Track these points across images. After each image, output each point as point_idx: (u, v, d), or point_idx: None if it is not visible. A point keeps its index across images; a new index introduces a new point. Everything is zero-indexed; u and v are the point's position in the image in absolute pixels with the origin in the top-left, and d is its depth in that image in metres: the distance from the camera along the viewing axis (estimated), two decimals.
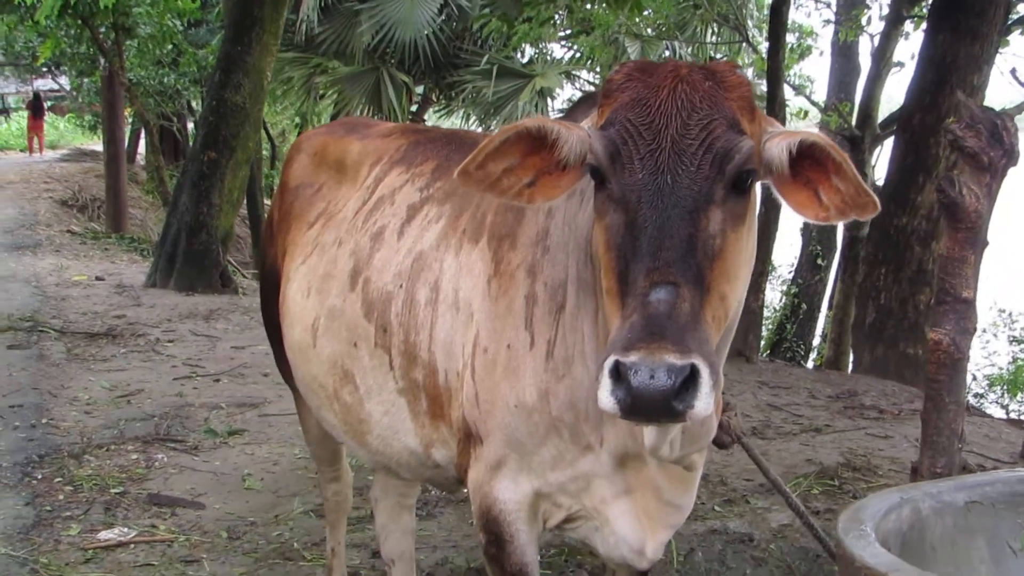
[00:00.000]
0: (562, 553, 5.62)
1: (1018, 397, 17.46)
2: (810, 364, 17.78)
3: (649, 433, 2.86)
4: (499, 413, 3.14)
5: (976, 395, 17.92)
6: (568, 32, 20.39)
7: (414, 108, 23.99)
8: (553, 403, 3.05)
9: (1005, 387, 17.45)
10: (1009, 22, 13.29)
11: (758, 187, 2.69)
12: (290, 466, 7.13)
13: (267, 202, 19.10)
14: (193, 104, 27.77)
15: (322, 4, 20.79)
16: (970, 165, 3.29)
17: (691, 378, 2.25)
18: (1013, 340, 18.70)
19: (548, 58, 23.06)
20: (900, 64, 16.55)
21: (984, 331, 19.49)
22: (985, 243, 3.40)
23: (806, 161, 2.59)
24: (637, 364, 2.24)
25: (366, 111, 21.24)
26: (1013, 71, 11.60)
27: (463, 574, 5.42)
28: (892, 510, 3.03)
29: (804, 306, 18.31)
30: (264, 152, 23.94)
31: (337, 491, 4.82)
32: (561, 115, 3.45)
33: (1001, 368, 18.09)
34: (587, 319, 3.01)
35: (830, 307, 17.74)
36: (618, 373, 2.28)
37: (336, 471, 4.79)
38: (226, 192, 14.92)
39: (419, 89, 23.89)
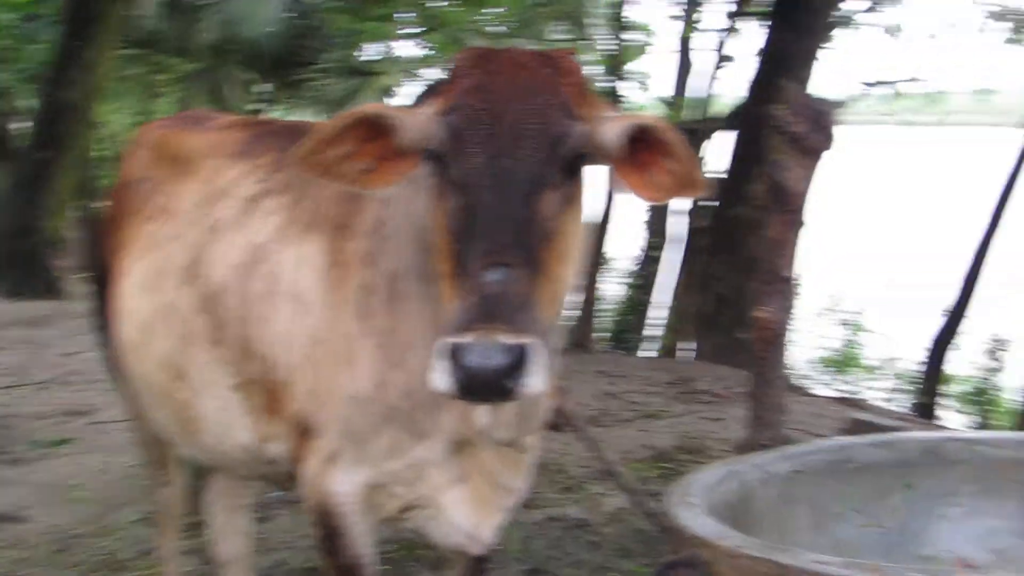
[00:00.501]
0: (401, 548, 5.60)
1: (847, 377, 18.14)
2: (653, 353, 18.05)
3: (483, 413, 2.88)
4: (335, 404, 3.11)
5: (804, 376, 18.48)
6: (414, 31, 20.32)
7: (257, 106, 23.57)
8: (390, 392, 3.04)
9: (834, 368, 18.09)
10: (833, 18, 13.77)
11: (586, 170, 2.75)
12: (121, 474, 6.84)
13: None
14: (23, 102, 26.66)
15: (164, 0, 20.22)
16: (795, 149, 3.42)
17: (523, 357, 2.28)
18: (843, 322, 19.37)
19: (393, 56, 22.93)
20: (730, 58, 16.95)
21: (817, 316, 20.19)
22: (803, 223, 3.53)
23: (640, 144, 2.63)
24: (471, 345, 2.26)
25: (208, 109, 20.70)
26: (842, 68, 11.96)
27: (300, 575, 5.36)
28: (720, 482, 3.12)
29: (641, 298, 18.57)
30: (100, 152, 23.16)
31: (168, 496, 4.63)
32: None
33: (833, 350, 18.72)
34: (424, 307, 3.00)
35: (673, 298, 18.04)
36: (452, 354, 2.29)
37: (167, 475, 4.62)
38: (56, 193, 14.39)
39: (263, 87, 23.48)
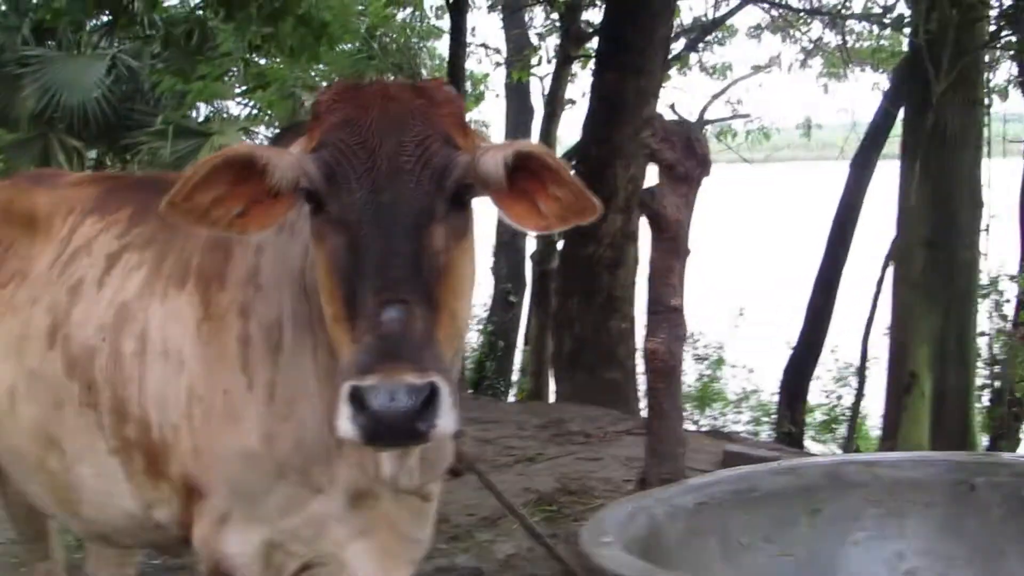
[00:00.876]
0: None
1: (706, 412, 18.41)
2: (511, 398, 18.08)
3: (387, 462, 2.77)
4: (221, 463, 2.97)
5: None
6: (244, 88, 20.07)
7: (88, 173, 22.87)
8: (279, 446, 2.91)
9: (695, 403, 18.34)
10: (669, 57, 14.05)
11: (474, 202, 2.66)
12: None
13: None
14: None
15: None
16: (668, 176, 3.40)
17: (431, 397, 2.19)
18: (697, 358, 19.69)
19: (225, 115, 22.56)
20: (572, 102, 17.20)
21: None
22: (687, 251, 3.51)
23: (521, 173, 2.55)
24: (376, 388, 2.16)
25: None
26: (672, 106, 12.23)
27: None
28: (630, 519, 3.06)
29: (501, 343, 18.61)
30: None
31: (48, 570, 4.42)
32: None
33: (689, 386, 18.98)
34: (306, 356, 2.90)
35: (526, 342, 18.11)
36: (356, 399, 2.18)
37: (45, 549, 4.40)
38: None
39: (92, 153, 22.82)
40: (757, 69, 19.80)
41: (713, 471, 4.29)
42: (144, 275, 3.28)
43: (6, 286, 3.72)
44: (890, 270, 11.05)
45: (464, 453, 3.47)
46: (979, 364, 11.80)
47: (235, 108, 22.97)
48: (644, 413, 16.03)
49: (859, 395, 9.34)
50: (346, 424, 2.21)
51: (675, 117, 3.19)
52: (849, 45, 17.69)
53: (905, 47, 14.42)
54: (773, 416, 16.29)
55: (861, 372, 9.07)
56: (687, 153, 3.40)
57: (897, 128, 13.99)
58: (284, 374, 2.92)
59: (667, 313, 3.48)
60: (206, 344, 3.02)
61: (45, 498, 3.61)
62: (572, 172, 2.56)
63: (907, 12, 12.15)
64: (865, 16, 15.44)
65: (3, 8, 20.06)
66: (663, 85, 12.91)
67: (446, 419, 2.22)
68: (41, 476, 3.52)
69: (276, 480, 2.94)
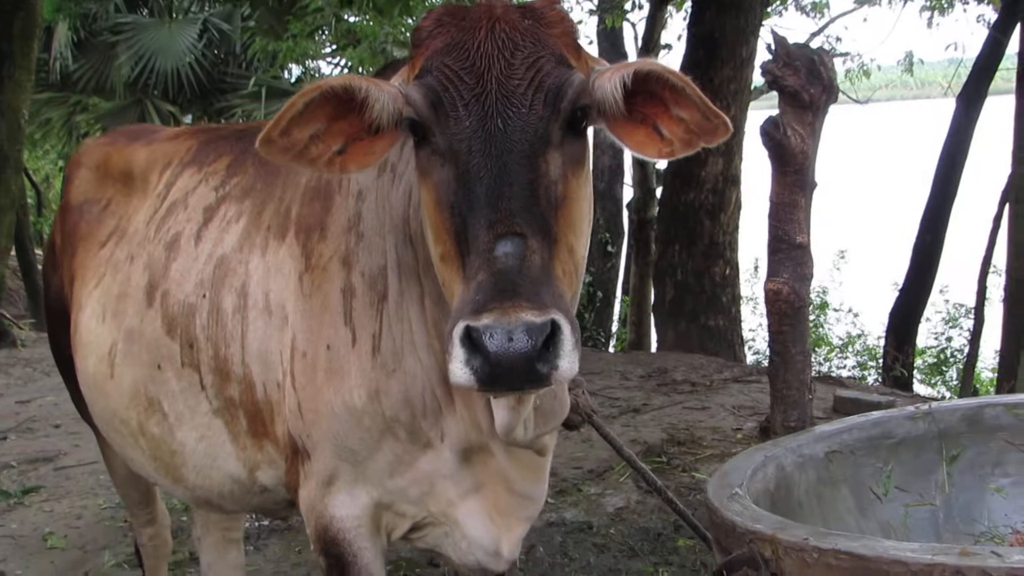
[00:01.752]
0: (399, 568, 5.35)
1: (815, 354, 18.04)
2: (611, 349, 17.96)
3: (501, 413, 2.61)
4: (325, 422, 2.83)
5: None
6: (334, 47, 20.08)
7: (186, 126, 23.15)
8: (385, 402, 2.77)
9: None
10: None
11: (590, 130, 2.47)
12: (95, 518, 6.57)
13: (38, 251, 18.11)
14: None
15: (75, 39, 19.80)
16: (791, 105, 3.17)
17: (552, 336, 2.01)
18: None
19: (316, 75, 22.62)
20: (668, 47, 16.87)
21: None
22: (814, 184, 3.29)
23: (639, 97, 2.37)
24: (492, 327, 1.98)
25: None
26: (768, 47, 11.84)
27: None
28: (757, 470, 2.88)
29: (600, 294, 18.44)
30: (29, 199, 22.64)
31: (154, 535, 4.39)
32: None
33: None
34: (413, 306, 2.75)
35: (625, 292, 17.92)
36: (471, 340, 2.01)
37: (151, 513, 4.36)
38: None
39: (187, 118, 23.08)
40: (859, 3, 19.17)
41: (836, 418, 4.05)
42: (243, 227, 3.16)
43: (105, 245, 3.63)
44: (1007, 206, 10.57)
45: (581, 404, 3.30)
46: None
47: (326, 68, 23.10)
48: (750, 359, 15.91)
49: (976, 335, 8.94)
50: (459, 368, 2.04)
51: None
52: None
53: None
54: (880, 360, 15.88)
55: (978, 312, 8.69)
56: (811, 78, 3.16)
57: (1006, 61, 13.45)
58: (389, 326, 2.78)
59: (791, 250, 3.26)
60: (308, 297, 2.88)
61: (147, 464, 3.52)
62: (699, 90, 2.34)
63: None
64: None
65: None
66: (761, 23, 12.49)
67: (568, 361, 2.04)
68: (142, 442, 3.42)
69: (383, 437, 2.81)
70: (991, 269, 12.47)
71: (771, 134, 3.21)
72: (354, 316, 2.80)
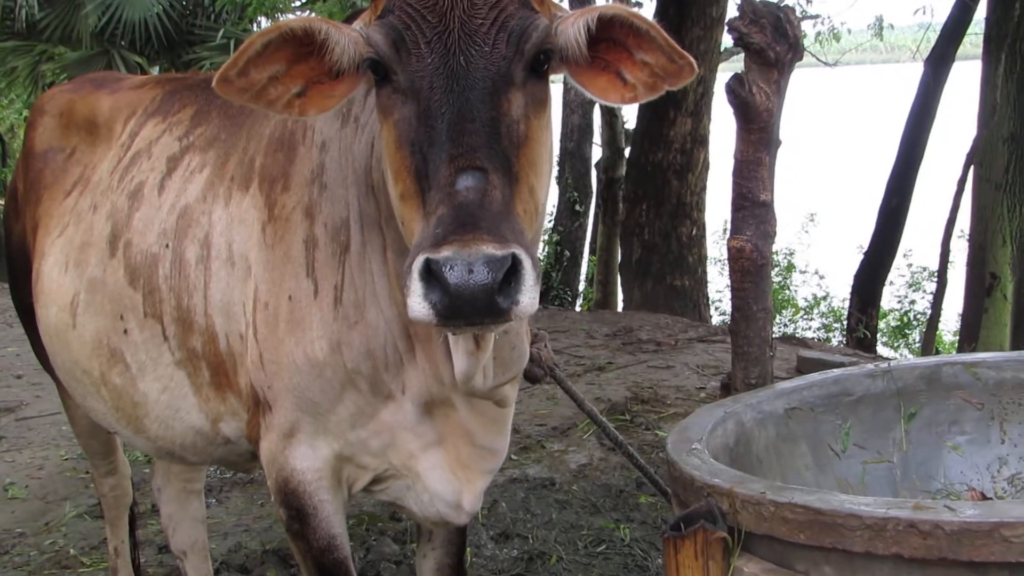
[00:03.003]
0: (362, 523, 5.36)
1: (776, 319, 18.14)
2: (578, 308, 17.99)
3: (460, 360, 2.61)
4: (287, 373, 2.81)
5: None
6: (304, 1, 19.92)
7: (152, 75, 22.91)
8: (347, 354, 2.76)
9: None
10: None
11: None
12: (56, 469, 6.57)
13: (0, 202, 17.94)
14: None
15: None
16: (756, 62, 3.16)
17: (512, 270, 1.99)
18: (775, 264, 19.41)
19: None
20: (639, 3, 16.77)
21: None
22: (778, 143, 3.29)
23: (601, 44, 2.35)
24: (452, 259, 1.95)
25: None
26: (739, 6, 11.82)
27: (259, 558, 5.09)
28: (717, 425, 2.89)
29: (567, 252, 18.43)
30: None
31: (114, 485, 4.37)
32: None
33: None
34: (375, 258, 2.74)
35: (592, 252, 17.94)
36: (430, 273, 1.98)
37: (111, 463, 4.34)
38: None
39: (154, 70, 22.83)
40: None
41: (795, 376, 4.08)
42: (206, 177, 3.13)
43: (69, 194, 3.59)
44: (971, 170, 10.62)
45: (543, 357, 3.31)
46: None
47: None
48: (716, 320, 15.97)
49: (939, 298, 9.03)
50: (417, 303, 2.00)
51: None
52: None
53: None
54: (844, 322, 16.01)
55: (941, 274, 8.76)
56: (777, 36, 3.15)
57: (974, 27, 13.50)
58: (352, 277, 2.76)
59: (754, 208, 3.26)
60: (270, 248, 2.86)
61: (108, 415, 3.50)
62: (664, 32, 2.32)
63: None
64: None
65: None
66: None
67: (528, 296, 2.02)
68: (104, 392, 3.40)
69: (344, 389, 2.80)
70: (955, 232, 12.59)
71: (736, 91, 3.20)
72: (316, 267, 2.78)
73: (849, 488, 3.13)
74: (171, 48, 21.31)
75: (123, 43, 20.74)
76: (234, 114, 3.20)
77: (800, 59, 3.27)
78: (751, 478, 2.45)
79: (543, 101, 2.35)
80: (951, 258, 12.97)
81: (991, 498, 3.13)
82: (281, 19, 21.96)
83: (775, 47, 3.16)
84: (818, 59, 18.53)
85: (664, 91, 2.39)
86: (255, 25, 21.30)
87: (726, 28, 3.34)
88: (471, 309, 1.98)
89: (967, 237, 10.13)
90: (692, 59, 2.35)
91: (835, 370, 3.36)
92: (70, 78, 20.36)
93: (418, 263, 2.00)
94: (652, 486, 4.16)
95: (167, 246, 3.11)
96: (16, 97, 23.99)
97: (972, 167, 10.21)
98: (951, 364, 3.33)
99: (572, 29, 2.31)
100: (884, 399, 3.26)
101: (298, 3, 20.25)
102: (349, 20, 2.64)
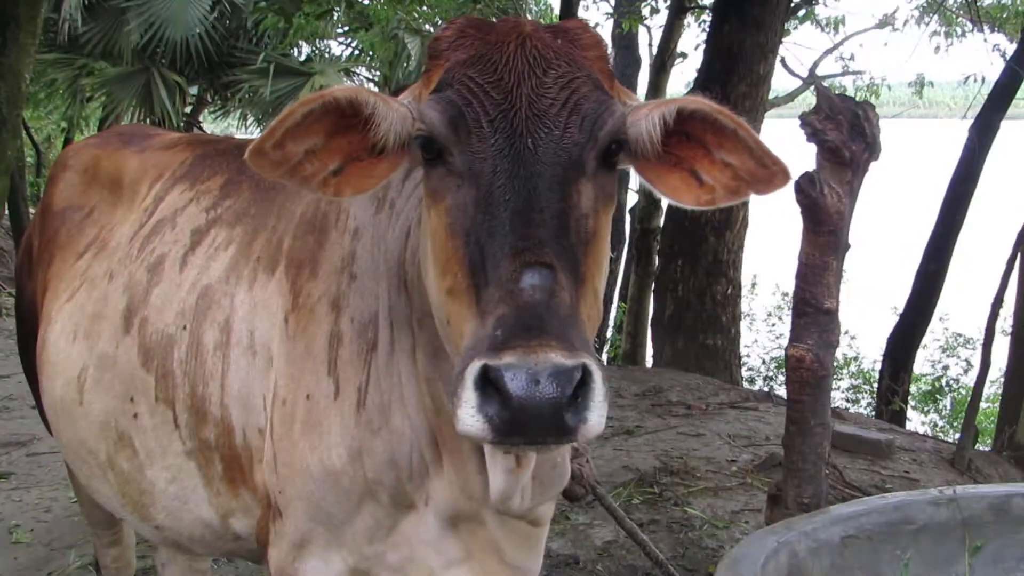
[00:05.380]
0: None
1: None
2: (604, 356, 17.77)
3: (497, 479, 2.36)
4: (300, 480, 2.58)
5: (766, 378, 18.30)
6: (346, 28, 19.90)
7: (188, 109, 22.92)
8: (368, 463, 2.52)
9: None
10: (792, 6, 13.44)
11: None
12: (64, 512, 6.36)
13: (33, 212, 17.85)
14: None
15: (86, 2, 19.57)
16: (830, 161, 2.95)
17: (581, 383, 1.74)
18: None
19: (327, 55, 22.43)
20: (683, 55, 16.62)
21: (769, 314, 20.00)
22: (847, 246, 3.07)
23: (673, 137, 2.13)
24: (515, 366, 1.71)
25: (137, 113, 20.09)
26: (783, 60, 11.67)
27: None
28: (769, 558, 2.67)
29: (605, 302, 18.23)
30: (28, 159, 22.37)
31: (117, 556, 4.15)
32: None
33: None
34: (404, 359, 2.50)
35: (622, 298, 17.72)
36: (487, 381, 1.74)
37: (115, 535, 4.12)
38: None
39: (193, 90, 22.84)
40: (881, 25, 18.96)
41: (860, 497, 3.83)
42: (231, 255, 2.92)
43: (82, 255, 3.38)
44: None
45: (585, 473, 3.07)
46: None
47: (337, 48, 22.89)
48: (744, 375, 15.68)
49: (981, 380, 8.71)
50: (469, 416, 1.75)
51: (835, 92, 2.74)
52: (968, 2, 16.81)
53: None
54: (874, 385, 15.69)
55: (985, 355, 8.45)
56: (854, 134, 2.93)
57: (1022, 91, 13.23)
58: (378, 379, 2.53)
59: (817, 315, 3.04)
60: (292, 340, 2.64)
61: (114, 499, 3.28)
62: (753, 132, 2.09)
63: None
64: None
65: None
66: (781, 41, 12.27)
67: (598, 414, 1.77)
68: (110, 476, 3.18)
69: (363, 501, 2.57)
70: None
71: (806, 191, 2.98)
72: (339, 365, 2.56)
73: None
74: (211, 69, 21.34)
75: (163, 61, 20.80)
76: (266, 188, 2.98)
77: (877, 159, 3.05)
78: None
79: (611, 195, 2.12)
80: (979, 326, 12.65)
81: None
82: (322, 44, 21.94)
83: (851, 146, 2.94)
84: None
85: (748, 197, 2.16)
86: (295, 49, 21.29)
87: (799, 122, 3.11)
88: (535, 426, 1.74)
89: (1012, 315, 9.81)
90: (786, 165, 2.11)
91: (896, 495, 3.13)
92: (109, 93, 20.46)
93: (473, 369, 1.75)
94: None
95: (185, 328, 2.90)
96: (55, 108, 24.06)
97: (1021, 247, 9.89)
98: (1022, 495, 3.08)
99: (646, 122, 2.09)
100: (948, 529, 3.02)
101: (341, 30, 20.23)
102: (396, 93, 2.43)
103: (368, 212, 2.62)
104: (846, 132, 2.92)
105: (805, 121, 2.98)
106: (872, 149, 2.98)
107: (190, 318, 2.90)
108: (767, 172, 2.10)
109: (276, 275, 2.76)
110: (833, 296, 3.02)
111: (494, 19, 2.27)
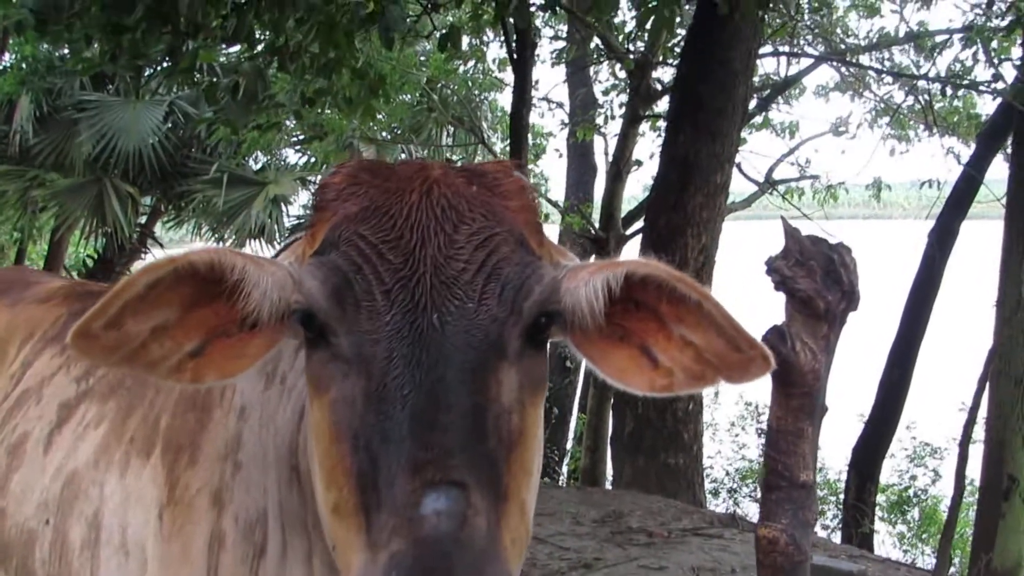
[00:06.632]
0: None
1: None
2: (564, 469, 17.33)
3: None
4: None
5: (730, 490, 17.89)
6: (301, 137, 19.80)
7: (142, 220, 22.61)
8: None
9: (753, 478, 17.44)
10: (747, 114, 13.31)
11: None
12: None
13: None
14: None
15: (37, 114, 19.35)
16: (803, 313, 2.57)
17: None
18: (761, 432, 18.77)
19: (281, 164, 22.25)
20: (639, 163, 16.44)
21: (732, 424, 19.63)
22: (824, 409, 2.68)
23: (623, 305, 1.74)
24: None
25: (89, 224, 19.85)
26: (738, 165, 11.49)
27: None
28: None
29: (556, 410, 17.78)
30: None
31: None
32: (288, 232, 2.41)
33: (751, 461, 18.10)
34: (297, 568, 2.08)
35: (581, 410, 17.34)
36: None
37: None
38: None
39: (146, 200, 22.53)
40: (838, 133, 18.96)
41: None
42: (102, 435, 2.47)
43: None
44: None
45: None
46: None
47: (293, 157, 22.76)
48: (708, 487, 15.25)
49: (955, 504, 8.34)
50: None
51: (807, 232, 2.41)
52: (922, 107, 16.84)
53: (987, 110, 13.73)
54: (840, 496, 15.33)
55: (959, 480, 8.10)
56: (829, 282, 2.56)
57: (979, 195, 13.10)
58: None
59: (791, 490, 2.65)
60: (167, 540, 2.20)
61: None
62: (722, 306, 1.69)
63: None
64: (953, 79, 14.47)
65: (63, 53, 19.90)
66: (737, 150, 12.05)
67: None
68: None
69: None
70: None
71: (776, 347, 2.59)
72: (220, 573, 2.12)
73: None
74: (164, 179, 21.07)
75: (116, 172, 20.50)
76: None
77: (856, 309, 2.66)
78: None
79: (541, 381, 1.72)
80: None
81: None
82: (277, 153, 21.69)
83: (826, 296, 2.56)
84: (804, 214, 18.22)
85: (716, 384, 1.75)
86: (251, 160, 21.05)
87: (765, 268, 2.71)
88: None
89: (984, 433, 9.50)
90: (766, 350, 1.69)
91: None
92: (61, 204, 20.08)
93: None
94: None
95: (48, 522, 2.45)
96: (6, 219, 23.67)
97: (991, 362, 9.58)
98: None
99: (587, 289, 1.69)
100: None
101: (296, 138, 20.06)
102: (285, 247, 2.02)
103: (256, 388, 2.19)
104: (820, 280, 2.54)
105: (772, 267, 2.61)
106: (850, 299, 2.60)
107: (54, 510, 2.45)
108: (741, 357, 1.71)
109: (151, 460, 2.31)
110: (809, 467, 2.63)
111: (396, 161, 1.87)
